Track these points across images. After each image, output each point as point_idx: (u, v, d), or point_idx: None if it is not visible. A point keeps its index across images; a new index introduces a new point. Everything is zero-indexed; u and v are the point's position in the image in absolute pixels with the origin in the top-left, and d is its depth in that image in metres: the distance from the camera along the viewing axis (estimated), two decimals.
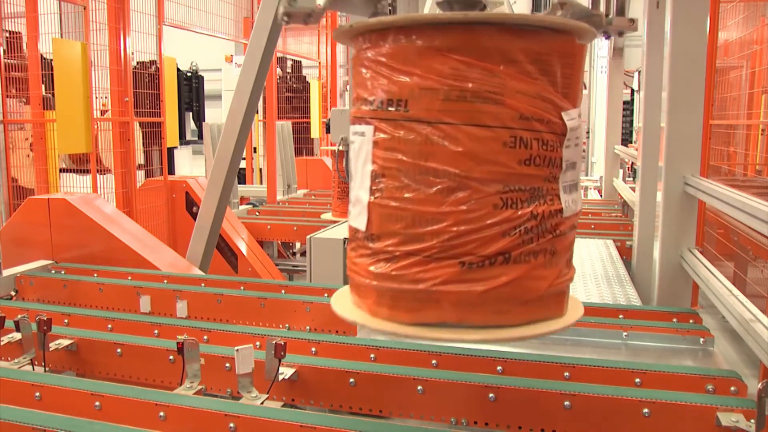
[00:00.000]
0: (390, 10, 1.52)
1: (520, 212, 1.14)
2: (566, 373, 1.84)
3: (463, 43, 1.11)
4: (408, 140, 1.15)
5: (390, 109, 1.17)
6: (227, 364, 1.93)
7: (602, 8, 1.43)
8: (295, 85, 10.27)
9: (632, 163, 6.83)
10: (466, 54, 1.11)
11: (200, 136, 9.44)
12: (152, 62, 5.90)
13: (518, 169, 1.14)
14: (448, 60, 1.11)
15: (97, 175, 4.87)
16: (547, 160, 1.16)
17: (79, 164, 5.52)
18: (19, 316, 2.15)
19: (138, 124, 5.44)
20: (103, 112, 5.57)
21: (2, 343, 2.17)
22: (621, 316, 2.38)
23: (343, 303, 1.35)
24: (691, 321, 2.34)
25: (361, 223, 1.25)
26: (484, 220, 1.13)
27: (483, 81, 1.11)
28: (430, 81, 1.13)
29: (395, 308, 1.21)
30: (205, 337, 2.28)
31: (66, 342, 2.15)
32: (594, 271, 3.26)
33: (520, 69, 1.12)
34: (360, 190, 1.25)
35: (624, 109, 9.23)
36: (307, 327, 2.54)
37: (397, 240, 1.19)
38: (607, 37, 1.51)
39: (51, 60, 5.08)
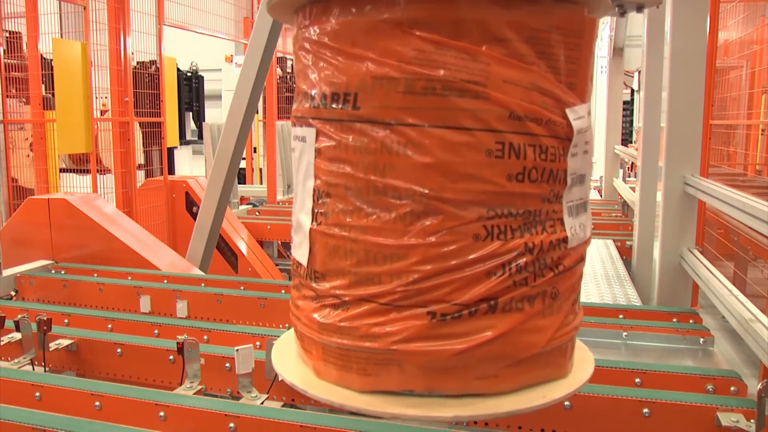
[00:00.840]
0: None
1: (510, 244, 0.87)
2: None
3: (431, 15, 0.83)
4: (358, 148, 0.87)
5: (335, 106, 0.89)
6: (227, 364, 1.93)
7: None
8: (295, 85, 10.27)
9: (632, 164, 6.84)
10: (436, 30, 0.83)
11: (200, 136, 9.45)
12: (152, 62, 5.90)
13: (507, 186, 0.86)
14: (410, 38, 0.83)
15: (97, 175, 4.88)
16: (547, 173, 0.88)
17: (79, 164, 5.52)
18: (19, 316, 2.15)
19: (138, 124, 5.44)
20: (102, 112, 5.57)
21: (2, 343, 2.16)
22: (621, 316, 2.38)
23: (287, 354, 1.07)
24: (691, 321, 2.34)
25: (302, 256, 0.98)
26: (461, 256, 0.85)
27: (459, 67, 0.83)
28: (387, 68, 0.84)
29: (345, 369, 0.93)
30: (205, 337, 2.28)
31: (66, 342, 2.15)
32: (594, 271, 3.26)
33: (509, 50, 0.84)
34: (301, 213, 0.98)
35: (624, 109, 9.23)
36: None
37: (346, 281, 0.91)
38: (623, 14, 1.18)
39: (51, 60, 5.08)
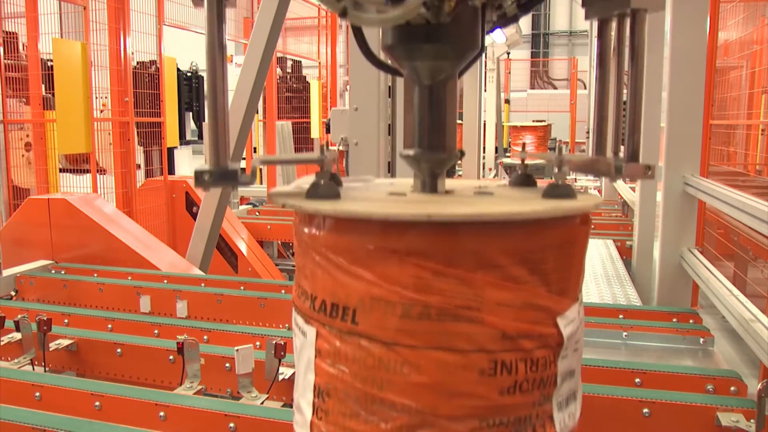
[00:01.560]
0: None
1: None
2: None
3: (428, 245, 0.87)
4: (357, 360, 0.91)
5: (334, 316, 0.92)
6: (227, 364, 1.93)
7: (609, 153, 1.11)
8: (295, 85, 10.27)
9: None
10: (432, 258, 0.86)
11: (200, 136, 9.45)
12: (152, 62, 5.91)
13: (499, 400, 0.89)
14: (407, 266, 0.86)
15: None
16: (538, 382, 0.91)
17: (75, 164, 5.52)
18: (19, 316, 2.15)
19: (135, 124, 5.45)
20: (99, 112, 5.57)
21: (2, 343, 2.17)
22: (621, 316, 2.38)
23: None
24: (691, 321, 2.34)
25: None
26: None
27: (453, 293, 0.86)
28: (384, 290, 0.87)
29: None
30: (205, 337, 2.28)
31: (66, 342, 2.15)
32: (594, 271, 3.26)
33: (502, 274, 0.88)
34: (302, 400, 1.00)
35: (624, 109, 9.21)
36: None
37: None
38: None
39: (47, 61, 5.09)
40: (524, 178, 1.14)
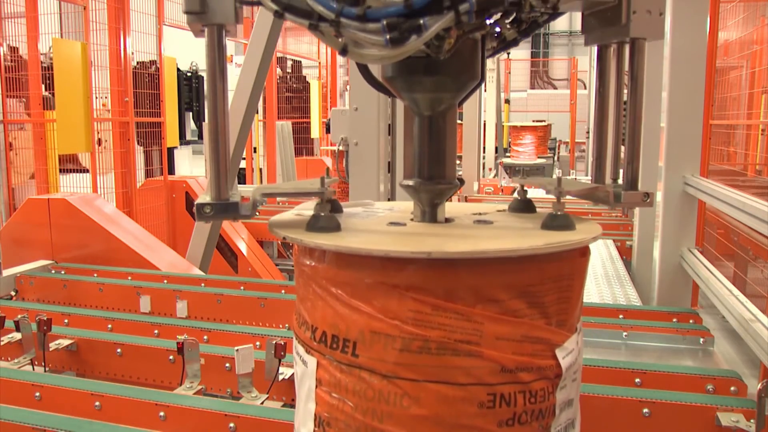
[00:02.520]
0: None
1: None
2: None
3: (427, 281, 0.87)
4: (357, 392, 0.91)
5: (335, 347, 0.93)
6: (227, 364, 1.93)
7: (608, 180, 1.11)
8: (295, 85, 10.28)
9: None
10: (432, 293, 0.87)
11: (200, 136, 9.46)
12: (152, 62, 5.90)
13: (498, 431, 0.90)
14: (406, 300, 0.87)
15: (72, 174, 4.86)
16: (536, 413, 0.92)
17: (62, 164, 5.50)
18: (19, 316, 2.15)
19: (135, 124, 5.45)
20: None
21: (2, 343, 2.17)
22: (621, 316, 2.38)
23: None
24: (691, 321, 2.34)
25: None
26: None
27: (453, 328, 0.87)
28: (384, 324, 0.88)
29: None
30: (205, 337, 2.28)
31: (66, 342, 2.15)
32: (594, 271, 3.26)
33: (502, 309, 0.88)
34: (302, 428, 1.02)
35: (624, 109, 9.21)
36: None
37: None
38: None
39: (42, 63, 5.08)
40: (524, 204, 1.15)
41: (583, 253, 0.97)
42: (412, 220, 1.09)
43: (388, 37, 0.81)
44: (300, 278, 1.00)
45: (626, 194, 1.05)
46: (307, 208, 1.05)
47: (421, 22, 0.81)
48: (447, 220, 1.09)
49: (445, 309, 0.87)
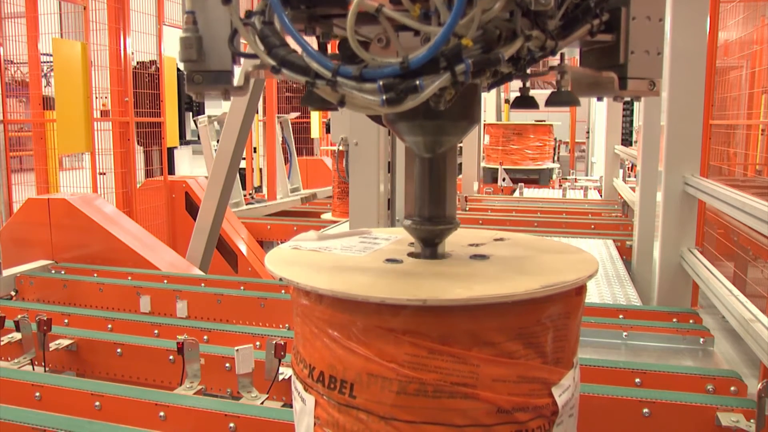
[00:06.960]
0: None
1: None
2: None
3: (422, 325, 0.88)
4: None
5: (332, 388, 0.94)
6: (227, 364, 1.93)
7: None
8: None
9: (632, 165, 6.84)
10: (428, 337, 0.88)
11: (200, 136, 9.42)
12: (152, 62, 5.90)
13: None
14: (402, 344, 0.88)
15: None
16: None
17: None
18: (19, 316, 2.15)
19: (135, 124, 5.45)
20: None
21: (2, 343, 2.17)
22: (621, 316, 2.38)
23: None
24: (691, 321, 2.33)
25: None
26: None
27: (449, 371, 0.88)
28: (381, 367, 0.89)
29: None
30: (205, 337, 2.28)
31: (66, 342, 2.15)
32: None
33: (497, 351, 0.89)
34: None
35: (624, 109, 9.21)
36: None
37: None
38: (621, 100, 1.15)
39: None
40: (523, 100, 1.18)
41: (579, 291, 0.98)
42: (409, 254, 1.11)
43: (384, 98, 0.81)
44: (297, 316, 1.01)
45: (632, 81, 1.02)
46: (304, 239, 1.05)
47: (417, 83, 0.81)
48: (443, 257, 1.10)
49: (441, 352, 0.88)
